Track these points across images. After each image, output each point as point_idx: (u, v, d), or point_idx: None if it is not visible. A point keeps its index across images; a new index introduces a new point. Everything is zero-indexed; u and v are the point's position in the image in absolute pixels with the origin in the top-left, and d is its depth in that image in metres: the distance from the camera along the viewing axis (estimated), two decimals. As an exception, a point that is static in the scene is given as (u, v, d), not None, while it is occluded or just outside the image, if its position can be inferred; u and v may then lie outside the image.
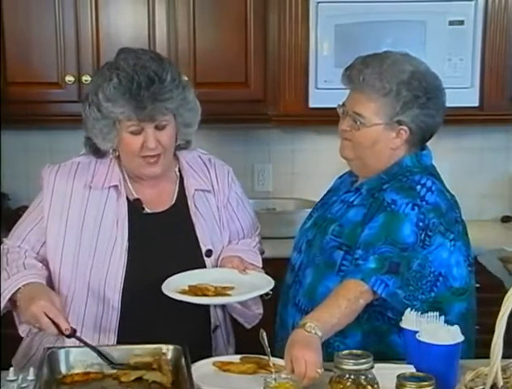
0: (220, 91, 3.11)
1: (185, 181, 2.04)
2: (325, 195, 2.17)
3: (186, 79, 2.01)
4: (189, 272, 1.93)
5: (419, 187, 1.91)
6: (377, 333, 1.89)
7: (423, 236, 1.85)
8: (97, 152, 2.00)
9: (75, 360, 1.71)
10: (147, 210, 2.00)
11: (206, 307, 2.00)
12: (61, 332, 1.77)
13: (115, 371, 1.71)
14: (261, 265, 2.08)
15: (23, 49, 3.08)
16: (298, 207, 3.24)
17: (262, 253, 2.18)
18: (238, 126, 3.37)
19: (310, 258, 1.98)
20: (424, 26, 3.03)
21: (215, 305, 2.01)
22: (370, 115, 1.92)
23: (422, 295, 1.86)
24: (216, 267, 2.02)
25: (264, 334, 1.67)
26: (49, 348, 1.74)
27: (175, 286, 1.87)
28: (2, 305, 1.86)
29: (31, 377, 1.67)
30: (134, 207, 1.98)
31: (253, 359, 1.76)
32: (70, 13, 3.06)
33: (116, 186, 1.97)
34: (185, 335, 1.85)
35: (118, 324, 1.93)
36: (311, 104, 3.09)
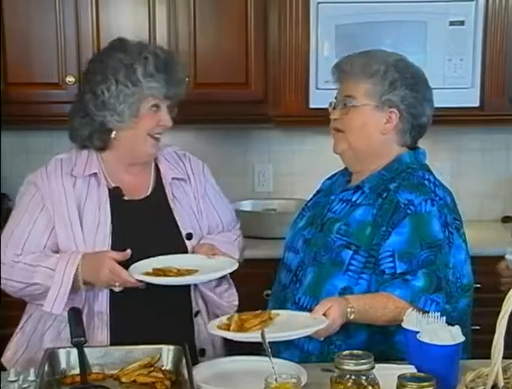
0: (221, 91, 3.12)
1: (161, 171, 2.14)
2: (314, 195, 2.18)
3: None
4: (157, 257, 1.98)
5: (427, 182, 1.95)
6: (383, 333, 1.90)
7: (447, 233, 1.89)
8: (95, 139, 2.06)
9: (76, 360, 1.70)
10: (127, 197, 2.08)
11: (186, 292, 2.07)
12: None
13: (115, 372, 1.71)
14: (237, 257, 2.13)
15: (24, 49, 3.08)
16: (299, 207, 3.21)
17: (243, 248, 2.26)
18: (238, 127, 3.38)
19: (311, 257, 1.99)
20: (424, 26, 3.03)
21: (194, 291, 2.08)
22: (360, 96, 1.95)
23: (456, 303, 1.90)
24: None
25: (265, 334, 1.66)
26: (49, 349, 1.75)
27: (141, 269, 1.93)
28: (69, 288, 1.93)
29: (31, 377, 1.67)
30: (115, 194, 2.06)
31: (251, 315, 1.77)
32: (71, 14, 3.07)
33: (95, 174, 2.05)
34: (169, 319, 1.99)
35: (109, 306, 2.00)
36: (311, 105, 3.09)
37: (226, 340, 2.14)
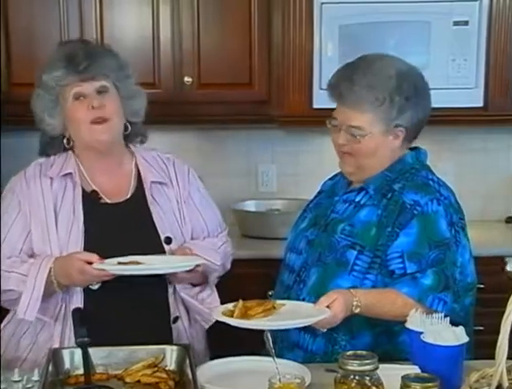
0: (224, 92, 3.12)
1: (142, 174, 2.10)
2: (315, 197, 2.18)
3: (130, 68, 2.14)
4: (126, 257, 1.93)
5: (431, 182, 1.95)
6: (388, 333, 1.90)
7: (453, 231, 1.90)
8: (51, 148, 2.10)
9: (80, 360, 1.71)
10: (106, 200, 2.06)
11: (163, 297, 2.03)
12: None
13: (119, 372, 1.71)
14: (218, 263, 2.10)
15: (29, 50, 3.08)
16: (302, 207, 3.23)
17: (230, 255, 2.21)
18: (242, 127, 3.37)
19: (315, 258, 1.99)
20: (428, 26, 3.02)
21: (173, 296, 2.04)
22: (368, 126, 1.93)
23: (462, 302, 1.90)
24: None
25: (269, 334, 1.66)
26: (53, 349, 1.75)
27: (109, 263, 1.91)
28: (41, 294, 1.92)
29: (35, 377, 1.68)
30: (91, 198, 2.05)
31: (255, 303, 1.77)
32: (75, 14, 3.07)
33: (71, 175, 2.05)
34: (145, 323, 1.95)
35: (84, 308, 1.96)
36: (315, 105, 3.09)
37: (207, 347, 2.15)
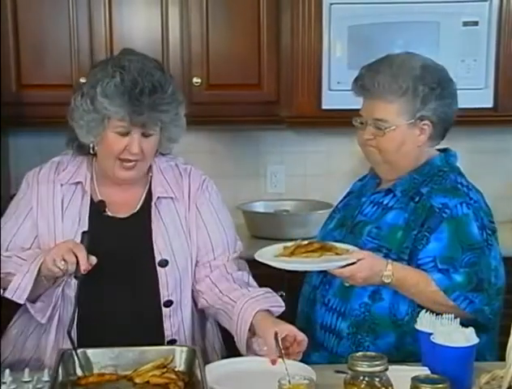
0: (233, 92, 3.12)
1: (152, 188, 2.04)
2: (345, 197, 2.18)
3: (182, 97, 2.03)
4: None
5: (460, 186, 1.94)
6: (413, 334, 1.89)
7: (485, 235, 1.89)
8: (80, 149, 2.04)
9: (90, 361, 1.71)
10: (109, 213, 2.01)
11: (158, 319, 1.98)
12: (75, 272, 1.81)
13: (129, 372, 1.71)
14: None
15: (38, 51, 3.09)
16: (311, 208, 3.24)
17: (227, 277, 2.06)
18: (251, 128, 3.38)
19: None
20: (437, 27, 3.02)
21: (168, 318, 1.98)
22: (392, 117, 1.93)
23: (494, 305, 1.89)
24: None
25: (278, 336, 1.67)
26: (62, 349, 1.75)
27: None
28: (34, 277, 1.86)
29: (45, 378, 1.68)
30: (97, 208, 2.00)
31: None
32: (84, 16, 3.08)
33: (81, 184, 2.01)
34: (136, 343, 1.83)
35: (78, 322, 1.91)
36: (324, 106, 3.09)
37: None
